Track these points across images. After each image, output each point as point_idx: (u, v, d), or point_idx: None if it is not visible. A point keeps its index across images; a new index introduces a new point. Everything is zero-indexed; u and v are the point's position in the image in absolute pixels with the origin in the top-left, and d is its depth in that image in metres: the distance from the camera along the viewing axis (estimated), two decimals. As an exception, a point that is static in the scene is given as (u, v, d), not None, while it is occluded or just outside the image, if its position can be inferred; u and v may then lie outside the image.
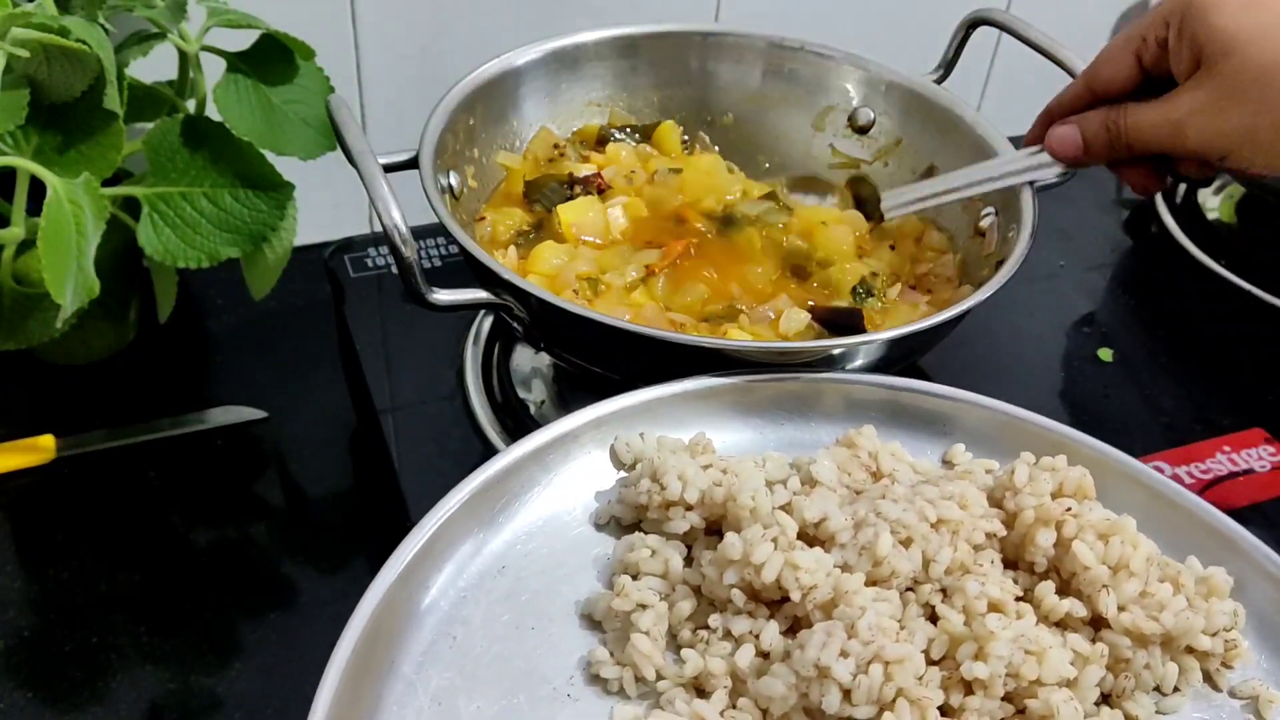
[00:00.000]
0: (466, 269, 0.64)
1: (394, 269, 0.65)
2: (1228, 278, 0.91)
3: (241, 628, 0.63)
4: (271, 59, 0.70)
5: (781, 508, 0.50)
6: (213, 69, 0.70)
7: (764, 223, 0.74)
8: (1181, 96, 0.60)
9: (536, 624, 0.48)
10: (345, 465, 0.74)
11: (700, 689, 0.46)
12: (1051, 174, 0.67)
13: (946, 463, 0.57)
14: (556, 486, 0.53)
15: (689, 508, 0.51)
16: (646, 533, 0.52)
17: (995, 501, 0.52)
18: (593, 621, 0.49)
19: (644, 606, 0.48)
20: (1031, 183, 0.68)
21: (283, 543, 0.68)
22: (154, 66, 0.70)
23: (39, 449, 0.70)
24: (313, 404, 0.77)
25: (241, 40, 0.70)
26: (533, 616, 0.48)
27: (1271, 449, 0.76)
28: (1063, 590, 0.49)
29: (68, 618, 0.62)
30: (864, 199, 0.80)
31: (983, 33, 0.80)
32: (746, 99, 0.83)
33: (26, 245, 0.62)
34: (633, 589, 0.48)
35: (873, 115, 0.81)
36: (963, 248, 0.75)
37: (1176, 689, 0.48)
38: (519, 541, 0.51)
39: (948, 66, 0.82)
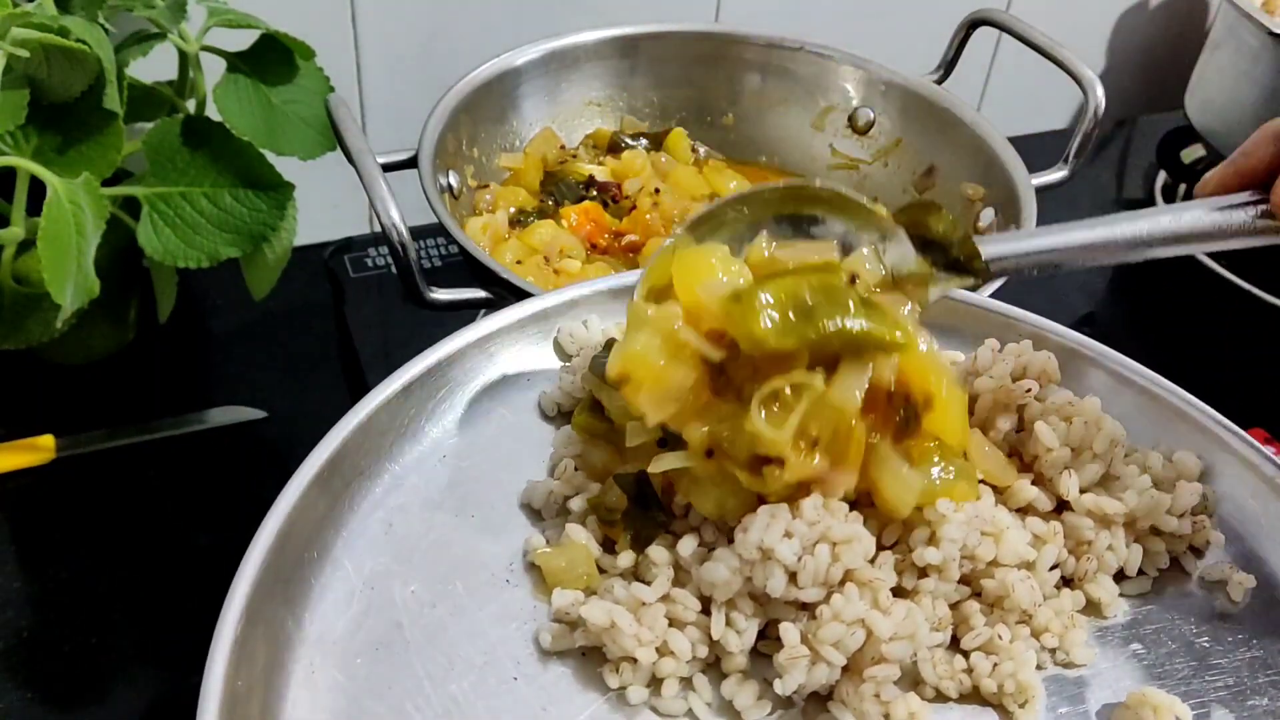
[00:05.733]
0: (466, 269, 0.64)
1: (394, 269, 0.65)
2: (1228, 278, 0.91)
3: (241, 627, 0.63)
4: (271, 59, 0.70)
5: None
6: (213, 69, 0.70)
7: None
8: None
9: (477, 512, 0.46)
10: (345, 465, 0.74)
11: (640, 579, 0.44)
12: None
13: None
14: (501, 378, 0.51)
15: None
16: None
17: None
18: (534, 510, 0.47)
19: (582, 492, 0.46)
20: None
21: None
22: (154, 66, 0.70)
23: (39, 449, 0.70)
24: (313, 404, 0.76)
25: (241, 40, 0.70)
26: (473, 505, 0.46)
27: (1271, 449, 0.76)
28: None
29: (68, 618, 0.62)
30: (940, 240, 0.47)
31: (983, 33, 0.80)
32: (746, 99, 0.83)
33: (26, 245, 0.62)
34: (574, 474, 0.47)
35: (873, 115, 0.81)
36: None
37: (1142, 572, 0.46)
38: (460, 430, 0.49)
39: (948, 67, 0.82)
